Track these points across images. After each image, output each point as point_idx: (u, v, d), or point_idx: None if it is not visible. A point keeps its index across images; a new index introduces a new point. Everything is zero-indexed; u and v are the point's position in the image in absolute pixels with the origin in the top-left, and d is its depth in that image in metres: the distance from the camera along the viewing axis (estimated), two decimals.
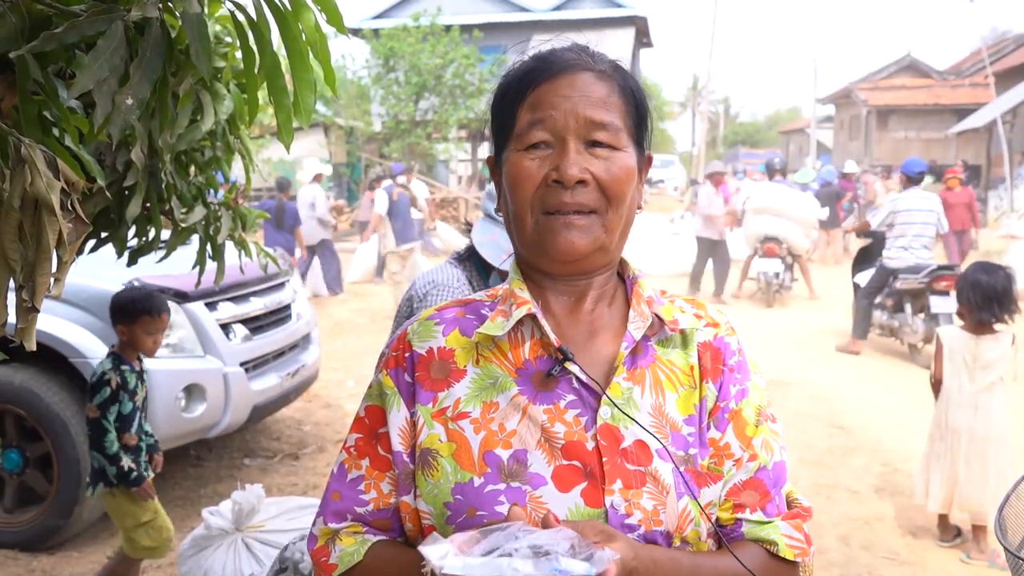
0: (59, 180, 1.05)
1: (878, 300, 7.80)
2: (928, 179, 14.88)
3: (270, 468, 4.87)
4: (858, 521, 4.17)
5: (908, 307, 7.50)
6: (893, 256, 7.51)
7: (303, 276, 11.66)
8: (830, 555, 3.76)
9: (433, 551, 0.79)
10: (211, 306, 4.10)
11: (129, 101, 1.17)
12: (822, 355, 7.91)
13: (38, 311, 1.06)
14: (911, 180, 7.64)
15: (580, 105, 1.00)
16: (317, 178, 12.06)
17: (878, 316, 7.87)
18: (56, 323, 3.68)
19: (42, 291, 1.05)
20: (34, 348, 1.10)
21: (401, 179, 12.85)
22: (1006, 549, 1.46)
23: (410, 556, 0.98)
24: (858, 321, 7.93)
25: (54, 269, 1.07)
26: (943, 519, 3.95)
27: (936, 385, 3.96)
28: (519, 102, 1.02)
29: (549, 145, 1.01)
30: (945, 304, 6.96)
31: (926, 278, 7.24)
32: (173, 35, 1.37)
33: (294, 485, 4.56)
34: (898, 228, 7.45)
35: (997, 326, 3.85)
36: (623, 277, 1.13)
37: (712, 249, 10.73)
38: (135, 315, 3.11)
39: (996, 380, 3.82)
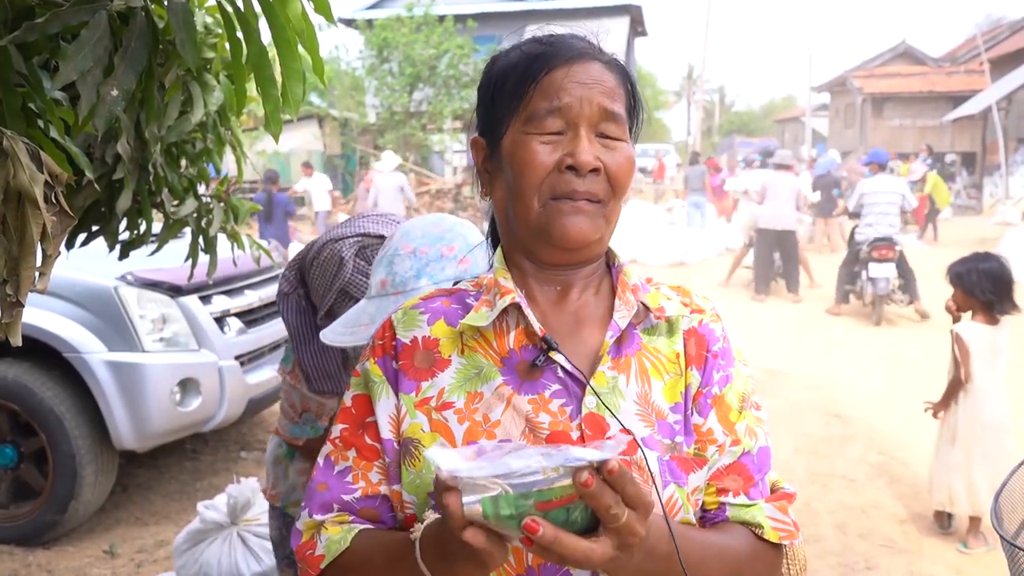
0: (42, 173, 1.03)
1: (856, 269, 9.03)
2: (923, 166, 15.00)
3: None
4: (855, 509, 4.18)
5: (864, 274, 8.80)
6: (861, 232, 8.82)
7: None
8: (827, 543, 3.77)
9: (441, 455, 0.76)
10: (205, 299, 4.08)
11: (114, 92, 1.16)
12: (819, 344, 7.93)
13: (23, 306, 1.04)
14: (879, 167, 9.12)
15: (595, 93, 0.99)
16: (400, 167, 12.02)
17: (858, 284, 9.10)
18: (49, 318, 3.67)
19: (27, 285, 1.03)
20: (19, 343, 1.08)
21: None
22: (1001, 537, 1.46)
23: (398, 539, 0.97)
24: (837, 287, 9.34)
25: (39, 263, 1.05)
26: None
27: (957, 386, 3.79)
28: (532, 84, 1.00)
29: (560, 131, 0.99)
30: (879, 270, 8.42)
31: (868, 248, 8.53)
32: (161, 25, 1.35)
33: None
34: (865, 208, 8.73)
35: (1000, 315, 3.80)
36: (609, 266, 1.12)
37: (778, 241, 10.01)
38: None
39: (1005, 368, 3.78)
